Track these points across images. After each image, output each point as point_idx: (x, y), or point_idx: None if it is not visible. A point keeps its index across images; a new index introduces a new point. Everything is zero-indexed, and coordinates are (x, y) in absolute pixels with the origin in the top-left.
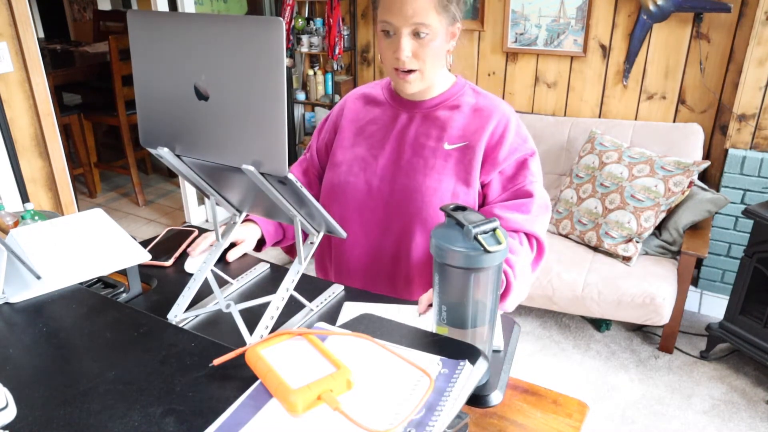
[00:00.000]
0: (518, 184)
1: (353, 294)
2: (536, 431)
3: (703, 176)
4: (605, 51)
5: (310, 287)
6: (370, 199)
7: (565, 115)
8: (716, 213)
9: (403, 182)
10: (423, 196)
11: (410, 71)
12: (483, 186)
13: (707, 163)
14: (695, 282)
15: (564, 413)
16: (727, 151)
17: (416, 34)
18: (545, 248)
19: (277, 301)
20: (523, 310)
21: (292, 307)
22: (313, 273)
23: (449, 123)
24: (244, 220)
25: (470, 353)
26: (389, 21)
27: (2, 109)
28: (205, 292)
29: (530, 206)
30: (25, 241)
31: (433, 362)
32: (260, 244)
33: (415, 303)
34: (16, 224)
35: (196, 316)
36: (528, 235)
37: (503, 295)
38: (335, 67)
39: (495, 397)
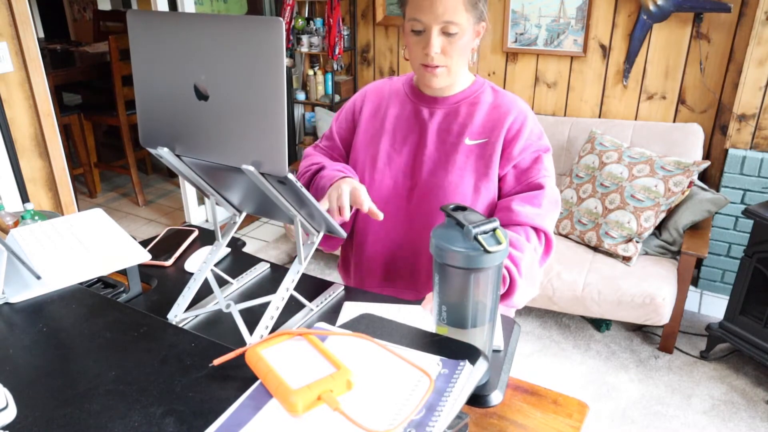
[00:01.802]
0: (531, 177)
1: (353, 294)
2: (536, 431)
3: (703, 176)
4: (605, 51)
5: (310, 287)
6: (395, 195)
7: (565, 115)
8: (716, 213)
9: (426, 178)
10: (445, 192)
11: (438, 66)
12: (499, 179)
13: (707, 163)
14: (695, 282)
15: (564, 413)
16: (727, 151)
17: (446, 32)
18: (553, 244)
19: (277, 301)
20: (523, 310)
21: (292, 307)
22: (313, 273)
23: (470, 119)
24: (340, 179)
25: (470, 353)
26: (419, 18)
27: (2, 109)
28: (205, 292)
29: (541, 199)
30: (25, 241)
31: (433, 362)
32: None
33: (416, 303)
34: (16, 224)
35: (196, 316)
36: (536, 230)
37: (509, 293)
38: (335, 67)
39: (495, 397)
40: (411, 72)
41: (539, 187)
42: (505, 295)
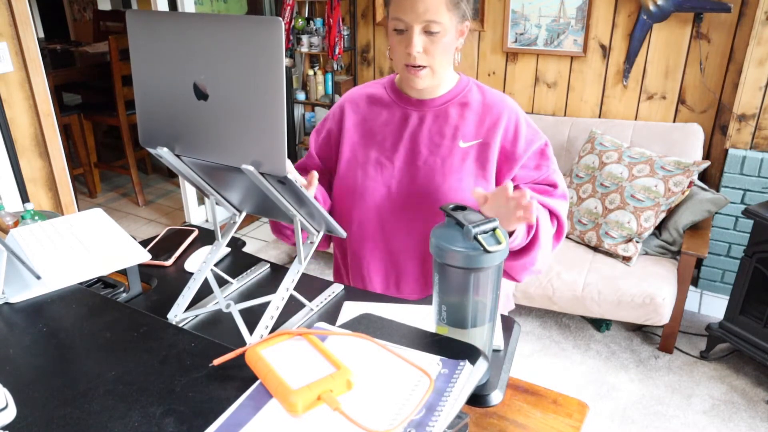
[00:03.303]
0: (543, 175)
1: (353, 294)
2: (536, 431)
3: (703, 176)
4: (605, 51)
5: (310, 287)
6: (390, 202)
7: (565, 115)
8: (716, 213)
9: (423, 183)
10: (445, 196)
11: (421, 67)
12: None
13: (707, 163)
14: (695, 282)
15: (564, 413)
16: (727, 151)
17: (427, 31)
18: (564, 230)
19: (277, 301)
20: (523, 310)
21: (292, 307)
22: (313, 273)
23: (461, 121)
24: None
25: (470, 353)
26: (401, 18)
27: (2, 109)
28: (205, 292)
29: (554, 194)
30: (25, 241)
31: (433, 362)
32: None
33: (415, 303)
34: (16, 224)
35: (196, 316)
36: (551, 212)
37: (530, 247)
38: (335, 67)
39: (495, 397)
40: (390, 75)
41: (553, 185)
42: (526, 250)
